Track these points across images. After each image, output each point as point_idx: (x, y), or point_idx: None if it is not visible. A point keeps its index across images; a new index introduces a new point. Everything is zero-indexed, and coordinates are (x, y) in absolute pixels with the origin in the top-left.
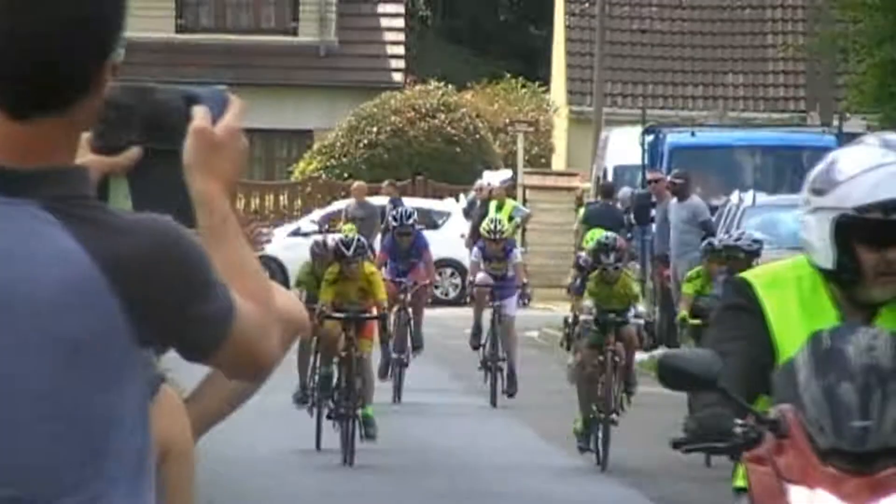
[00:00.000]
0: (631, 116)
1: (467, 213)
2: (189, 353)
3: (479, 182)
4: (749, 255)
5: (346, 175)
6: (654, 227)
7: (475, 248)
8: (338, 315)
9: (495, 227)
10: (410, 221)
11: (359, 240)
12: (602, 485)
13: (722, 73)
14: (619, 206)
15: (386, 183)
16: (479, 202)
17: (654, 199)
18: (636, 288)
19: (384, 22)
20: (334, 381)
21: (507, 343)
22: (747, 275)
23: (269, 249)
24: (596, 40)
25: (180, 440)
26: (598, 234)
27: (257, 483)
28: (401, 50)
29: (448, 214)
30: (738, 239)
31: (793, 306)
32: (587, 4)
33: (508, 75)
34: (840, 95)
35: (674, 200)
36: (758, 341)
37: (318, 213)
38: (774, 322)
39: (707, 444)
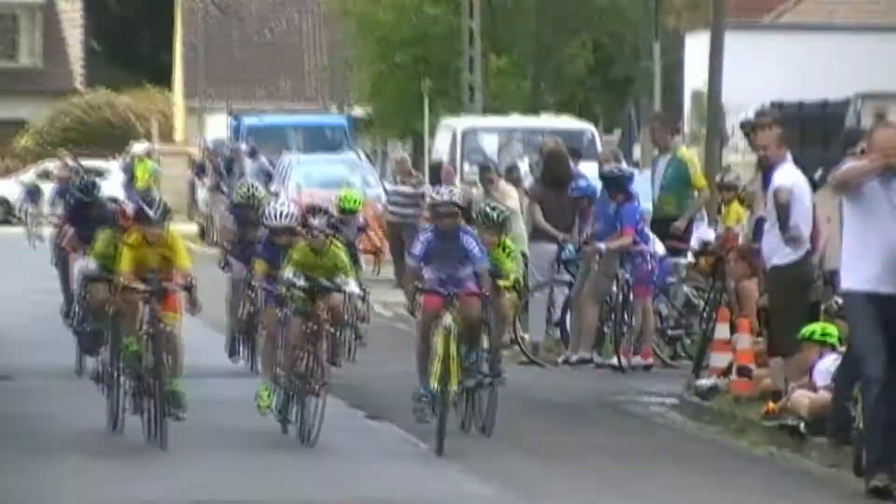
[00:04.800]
0: (222, 108)
1: (124, 168)
2: None
3: (130, 149)
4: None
5: (49, 146)
6: (234, 178)
7: (230, 216)
8: (139, 287)
9: (250, 192)
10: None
11: (162, 200)
12: None
13: (277, 80)
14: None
15: (62, 151)
16: (129, 161)
17: (234, 160)
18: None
19: (70, 49)
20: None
21: None
22: None
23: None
24: (200, 60)
25: None
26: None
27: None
28: (80, 68)
29: (109, 171)
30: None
31: None
32: (198, 36)
33: (149, 85)
34: (348, 93)
35: (249, 160)
36: None
37: (32, 169)
38: None
39: None
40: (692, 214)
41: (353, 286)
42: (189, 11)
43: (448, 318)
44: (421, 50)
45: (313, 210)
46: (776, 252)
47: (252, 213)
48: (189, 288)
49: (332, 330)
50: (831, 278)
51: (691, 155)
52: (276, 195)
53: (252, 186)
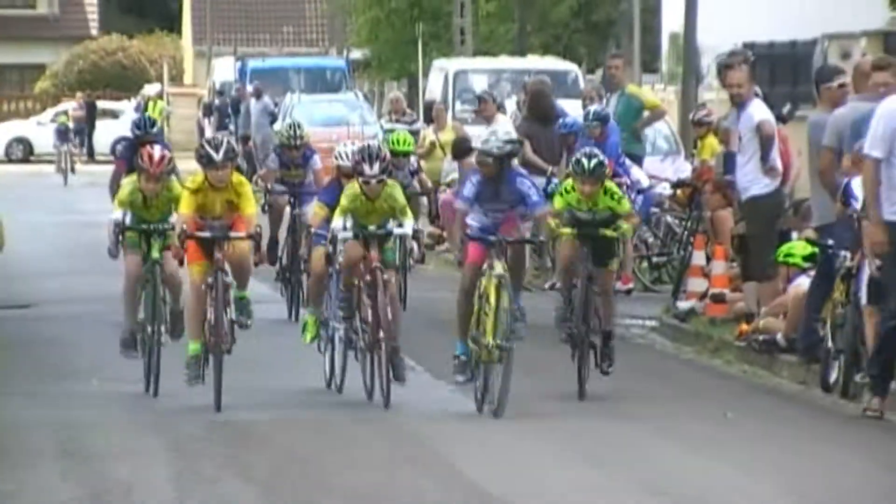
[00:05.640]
0: (229, 52)
1: (136, 109)
2: None
3: (142, 91)
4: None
5: (66, 89)
6: (240, 118)
7: (272, 155)
8: (201, 234)
9: (294, 132)
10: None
11: (229, 142)
12: None
13: (280, 26)
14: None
15: (79, 94)
16: (142, 102)
17: (241, 100)
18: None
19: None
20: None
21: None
22: None
23: (21, 131)
24: (207, 6)
25: None
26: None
27: None
28: (95, 16)
29: (123, 111)
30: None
31: None
32: None
33: (159, 30)
34: (347, 38)
35: (254, 100)
36: None
37: (50, 110)
38: None
39: None
40: (647, 123)
41: (407, 227)
42: None
43: (500, 266)
44: None
45: (369, 155)
46: (755, 183)
47: (296, 153)
48: (256, 237)
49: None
50: (800, 208)
51: (637, 88)
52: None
53: (296, 125)
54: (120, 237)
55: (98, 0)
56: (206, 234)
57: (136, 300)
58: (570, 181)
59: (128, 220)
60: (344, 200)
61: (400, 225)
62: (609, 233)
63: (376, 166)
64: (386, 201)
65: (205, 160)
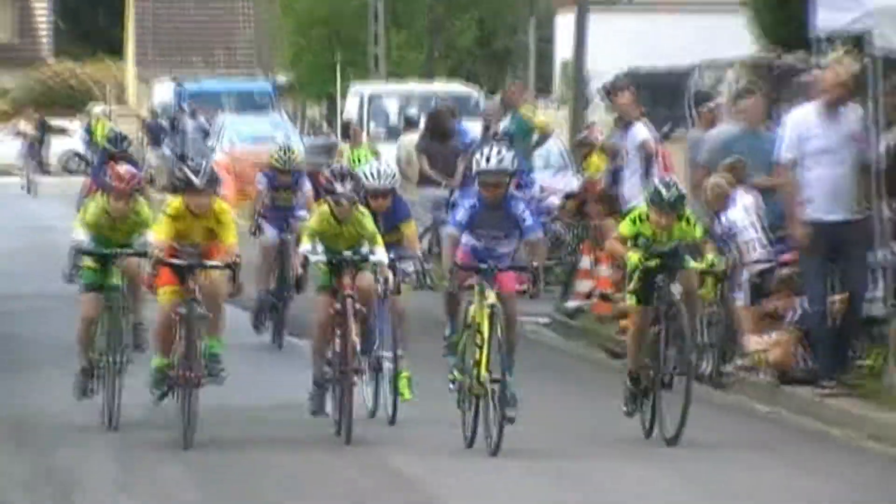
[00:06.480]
0: (167, 76)
1: (85, 127)
2: None
3: (89, 110)
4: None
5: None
6: (177, 136)
7: (261, 176)
8: (175, 262)
9: (287, 156)
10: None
11: (210, 166)
12: None
13: (210, 49)
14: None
15: (30, 110)
16: (90, 122)
17: (171, 124)
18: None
19: (40, 25)
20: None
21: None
22: None
23: None
24: (148, 35)
25: None
26: None
27: None
28: (49, 43)
29: (73, 129)
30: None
31: None
32: (146, 14)
33: (106, 56)
34: (272, 63)
35: (189, 120)
36: None
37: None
38: None
39: None
40: (539, 144)
41: (380, 255)
42: None
43: (492, 296)
44: (334, 26)
45: (341, 175)
46: (637, 196)
47: (285, 177)
48: (233, 266)
49: (362, 309)
50: None
51: (530, 109)
52: (213, 150)
53: (287, 148)
54: (77, 263)
55: (51, 27)
56: (181, 261)
57: (92, 340)
58: (643, 208)
59: (89, 245)
60: (313, 222)
61: (372, 253)
62: (697, 265)
63: (348, 185)
64: (354, 226)
65: (183, 184)
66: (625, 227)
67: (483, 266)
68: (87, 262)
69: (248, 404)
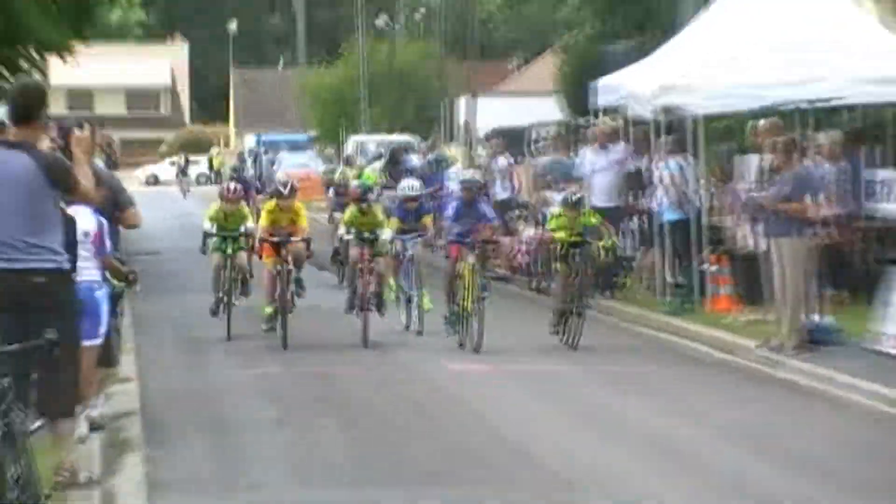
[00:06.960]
0: (253, 131)
1: (208, 160)
2: (67, 193)
3: (210, 151)
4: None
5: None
6: (257, 164)
7: (330, 192)
8: (273, 239)
9: (342, 177)
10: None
11: (291, 182)
12: None
13: (276, 116)
14: None
15: (180, 151)
16: (211, 157)
17: (254, 158)
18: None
19: (183, 104)
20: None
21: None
22: None
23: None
24: (241, 107)
25: None
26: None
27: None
28: (188, 112)
29: (198, 162)
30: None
31: None
32: (239, 91)
33: (217, 120)
34: (308, 124)
35: (265, 156)
36: None
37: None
38: None
39: None
40: (450, 166)
41: (386, 234)
42: (237, 84)
43: (471, 257)
44: (339, 104)
45: (367, 189)
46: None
47: (342, 189)
48: (307, 240)
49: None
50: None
51: (444, 148)
52: (276, 172)
53: (343, 172)
54: (206, 241)
55: (190, 103)
56: (276, 238)
57: (219, 281)
58: (558, 210)
59: (213, 230)
60: (347, 215)
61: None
62: (600, 242)
63: (371, 194)
64: (374, 216)
65: (277, 193)
66: (551, 223)
67: (466, 240)
68: (213, 240)
69: (319, 311)
